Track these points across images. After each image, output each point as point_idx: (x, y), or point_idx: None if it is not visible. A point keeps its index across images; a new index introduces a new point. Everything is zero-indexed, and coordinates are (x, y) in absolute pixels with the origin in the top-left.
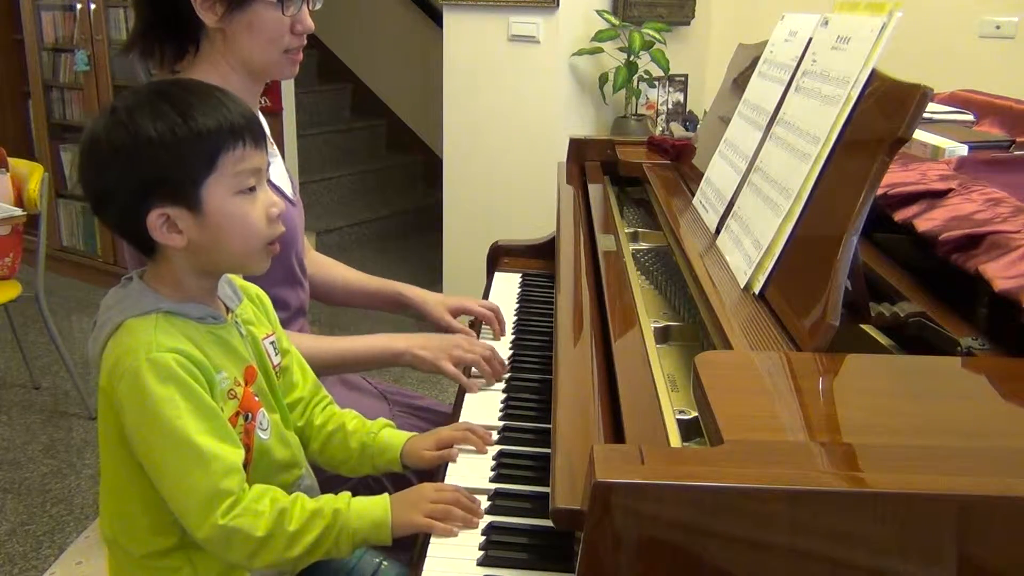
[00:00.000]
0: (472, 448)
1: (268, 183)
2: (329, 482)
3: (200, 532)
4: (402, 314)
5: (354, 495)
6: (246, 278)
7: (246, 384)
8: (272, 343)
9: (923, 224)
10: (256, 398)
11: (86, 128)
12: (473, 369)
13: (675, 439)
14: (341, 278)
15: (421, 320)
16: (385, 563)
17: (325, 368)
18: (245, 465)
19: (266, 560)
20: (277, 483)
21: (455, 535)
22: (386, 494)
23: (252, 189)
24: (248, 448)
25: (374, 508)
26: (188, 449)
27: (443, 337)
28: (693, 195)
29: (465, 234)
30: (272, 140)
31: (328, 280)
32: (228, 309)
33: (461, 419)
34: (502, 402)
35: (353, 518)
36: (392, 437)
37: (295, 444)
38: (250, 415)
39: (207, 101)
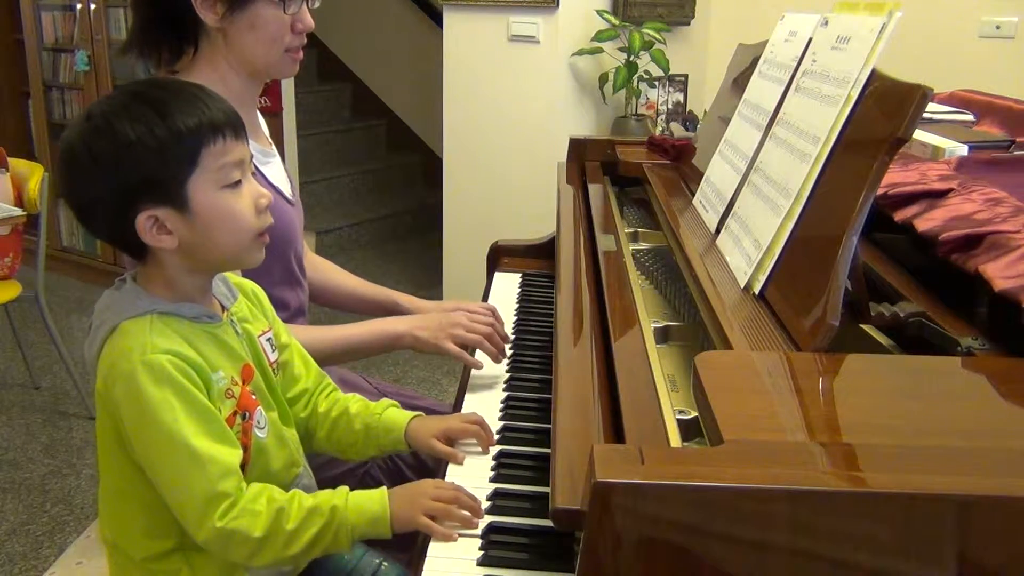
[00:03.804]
0: (476, 447)
1: (268, 184)
2: (329, 483)
3: (199, 534)
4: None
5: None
6: (243, 273)
7: (243, 383)
8: (269, 339)
9: (923, 224)
10: (253, 396)
11: (63, 138)
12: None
13: (675, 439)
14: (338, 283)
15: None
16: (385, 563)
17: (327, 358)
18: (243, 464)
19: (266, 559)
20: (275, 482)
21: (455, 539)
22: (384, 487)
23: (238, 183)
24: (245, 447)
25: (372, 503)
26: (185, 452)
27: (443, 316)
28: (693, 195)
29: (465, 234)
30: (271, 140)
31: (326, 285)
32: (223, 307)
33: None
34: (502, 402)
35: (351, 513)
36: (396, 416)
37: (293, 442)
38: (248, 414)
39: (183, 98)
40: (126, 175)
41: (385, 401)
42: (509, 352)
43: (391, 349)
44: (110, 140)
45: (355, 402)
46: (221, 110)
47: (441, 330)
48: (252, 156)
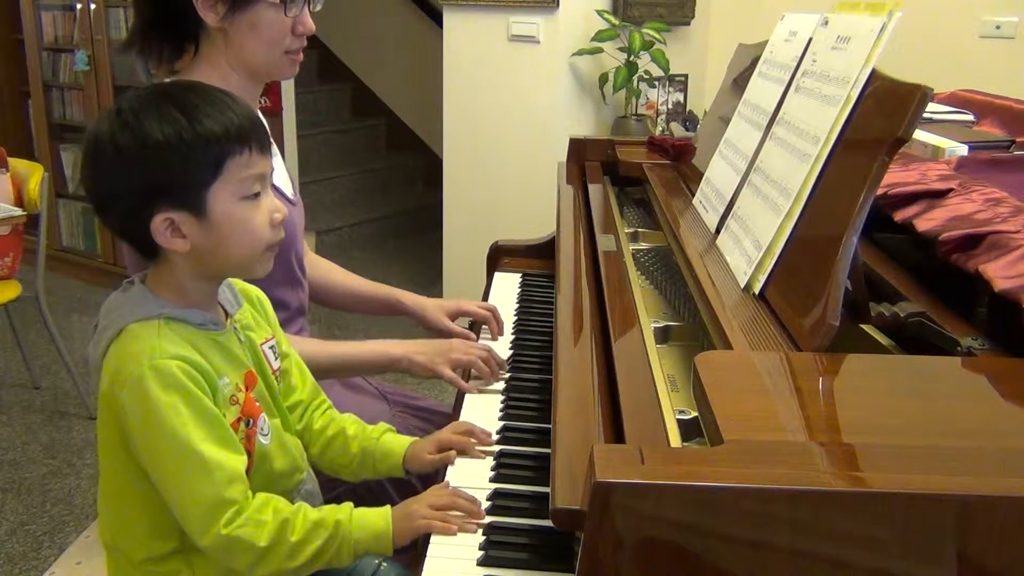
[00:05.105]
0: (475, 446)
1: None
2: (330, 483)
3: (203, 540)
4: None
5: (355, 497)
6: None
7: (247, 390)
8: (271, 347)
9: (923, 224)
10: (257, 403)
11: (90, 128)
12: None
13: (675, 439)
14: (339, 282)
15: (420, 324)
16: (385, 564)
17: (323, 373)
18: (246, 471)
19: (268, 569)
20: (279, 488)
21: (454, 533)
22: (388, 506)
23: (256, 195)
24: (249, 453)
25: (376, 519)
26: (192, 457)
27: (440, 342)
28: (693, 195)
29: (465, 234)
30: (272, 140)
31: (326, 284)
32: (227, 314)
33: (461, 420)
34: (502, 402)
35: (355, 529)
36: (393, 442)
37: (296, 448)
38: (251, 420)
39: (213, 105)
40: (148, 175)
41: (382, 425)
42: (509, 352)
43: (387, 371)
44: (138, 138)
45: (352, 424)
46: (249, 120)
47: (439, 355)
48: (272, 170)
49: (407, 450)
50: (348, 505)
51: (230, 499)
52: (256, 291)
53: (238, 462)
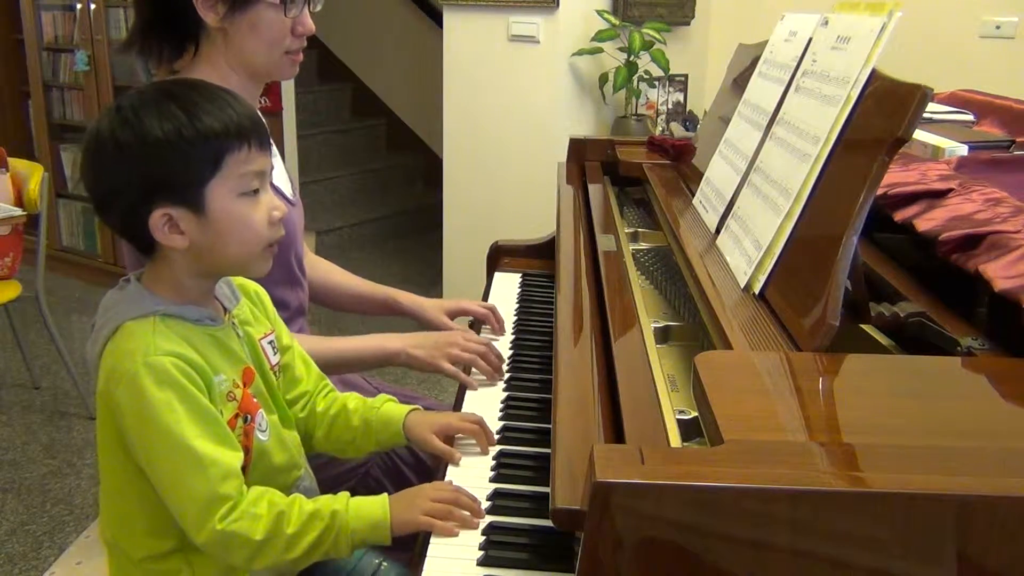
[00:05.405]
0: (476, 447)
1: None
2: (329, 482)
3: (199, 536)
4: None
5: (353, 496)
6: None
7: (244, 386)
8: (271, 342)
9: (923, 224)
10: (255, 400)
11: (91, 126)
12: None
13: (675, 439)
14: (339, 283)
15: (420, 325)
16: (385, 563)
17: (322, 369)
18: (244, 467)
19: (265, 562)
20: (276, 484)
21: (455, 534)
22: (385, 494)
23: (256, 192)
24: (247, 450)
25: (373, 508)
26: (186, 454)
27: (438, 335)
28: (693, 195)
29: (465, 234)
30: (271, 140)
31: (325, 284)
32: (226, 310)
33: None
34: (502, 402)
35: (352, 518)
36: (394, 410)
37: (294, 445)
38: (249, 417)
39: (213, 102)
40: (148, 171)
41: (383, 396)
42: (509, 352)
43: (386, 365)
44: (137, 134)
45: (353, 399)
46: (248, 117)
47: (437, 349)
48: (272, 167)
49: (407, 418)
50: (344, 495)
51: (225, 495)
52: (254, 286)
53: (233, 458)
